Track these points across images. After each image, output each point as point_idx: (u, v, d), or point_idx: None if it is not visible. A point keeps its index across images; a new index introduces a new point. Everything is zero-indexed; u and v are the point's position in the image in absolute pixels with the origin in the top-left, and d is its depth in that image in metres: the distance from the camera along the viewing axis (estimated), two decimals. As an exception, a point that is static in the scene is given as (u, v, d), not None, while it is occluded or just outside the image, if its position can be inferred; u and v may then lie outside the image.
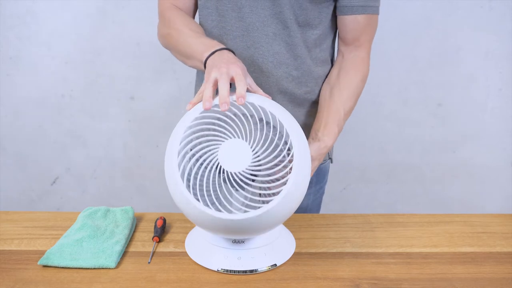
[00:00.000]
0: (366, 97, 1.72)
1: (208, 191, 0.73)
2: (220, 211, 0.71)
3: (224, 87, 0.73)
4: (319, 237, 0.91)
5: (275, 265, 0.81)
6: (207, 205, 0.72)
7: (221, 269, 0.79)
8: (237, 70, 0.76)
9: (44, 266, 0.80)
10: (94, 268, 0.80)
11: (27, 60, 1.67)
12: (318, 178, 1.11)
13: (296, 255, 0.85)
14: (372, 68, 1.70)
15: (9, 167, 1.82)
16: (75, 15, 1.62)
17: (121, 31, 1.64)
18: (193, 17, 1.05)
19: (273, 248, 0.82)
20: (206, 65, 0.82)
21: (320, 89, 1.03)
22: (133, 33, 1.64)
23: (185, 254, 0.85)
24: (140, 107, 1.74)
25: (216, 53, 0.82)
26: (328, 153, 1.12)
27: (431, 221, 0.98)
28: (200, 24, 1.01)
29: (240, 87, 0.73)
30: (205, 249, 0.82)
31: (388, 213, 1.02)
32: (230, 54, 0.82)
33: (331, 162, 1.15)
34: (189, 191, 0.72)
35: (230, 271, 0.79)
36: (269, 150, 0.72)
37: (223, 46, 0.84)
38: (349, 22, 0.97)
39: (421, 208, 1.86)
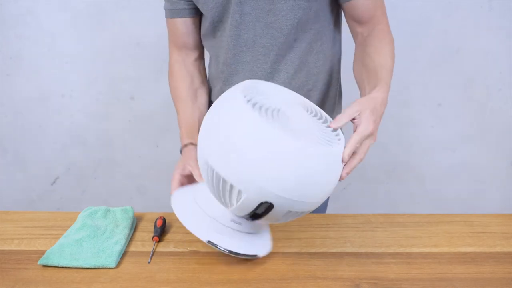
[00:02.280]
0: (366, 97, 1.73)
1: None
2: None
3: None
4: (319, 237, 0.91)
5: (256, 256, 0.80)
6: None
7: (209, 241, 0.77)
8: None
9: (44, 266, 0.80)
10: (94, 268, 0.80)
11: (27, 60, 1.67)
12: None
13: (296, 255, 0.85)
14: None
15: (9, 167, 1.82)
16: (75, 15, 1.62)
17: (121, 31, 1.64)
18: (203, 52, 1.11)
19: (260, 238, 0.82)
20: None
21: (322, 81, 1.03)
22: (133, 33, 1.64)
23: (185, 254, 0.85)
24: (140, 107, 1.74)
25: (183, 150, 0.98)
26: None
27: (431, 221, 0.98)
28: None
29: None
30: (199, 218, 0.80)
31: (388, 213, 1.02)
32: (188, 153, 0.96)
33: None
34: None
35: (217, 246, 0.77)
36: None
37: (186, 143, 0.98)
38: (360, 4, 0.94)
39: (421, 208, 1.86)
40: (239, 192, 0.70)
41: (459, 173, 1.82)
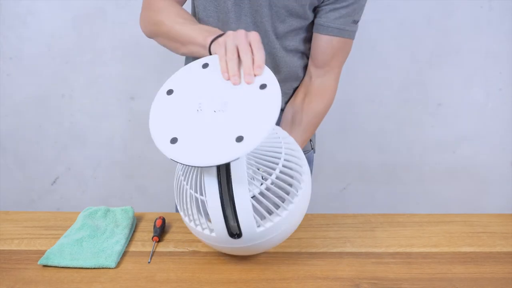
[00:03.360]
0: (366, 97, 1.73)
1: None
2: None
3: (247, 57, 0.71)
4: (319, 237, 0.91)
5: None
6: None
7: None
8: (256, 35, 0.74)
9: (44, 266, 0.80)
10: (94, 268, 0.80)
11: (27, 60, 1.67)
12: None
13: (296, 255, 0.85)
14: (372, 67, 1.70)
15: (9, 167, 1.82)
16: (75, 15, 1.62)
17: (121, 31, 1.64)
18: (182, 5, 1.03)
19: None
20: (215, 42, 0.78)
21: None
22: (133, 33, 1.64)
23: (185, 254, 0.85)
24: (140, 107, 1.74)
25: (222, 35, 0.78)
26: (311, 144, 1.14)
27: (431, 221, 0.98)
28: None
29: (259, 54, 0.71)
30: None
31: (388, 213, 1.02)
32: None
33: (314, 152, 1.17)
34: None
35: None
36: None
37: (221, 32, 0.81)
38: (323, 42, 0.96)
39: (421, 208, 1.86)
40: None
41: (459, 173, 1.82)
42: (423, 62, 1.67)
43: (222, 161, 0.64)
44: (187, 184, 0.74)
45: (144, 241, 0.89)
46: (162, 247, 0.87)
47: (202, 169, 0.71)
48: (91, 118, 1.76)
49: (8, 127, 1.76)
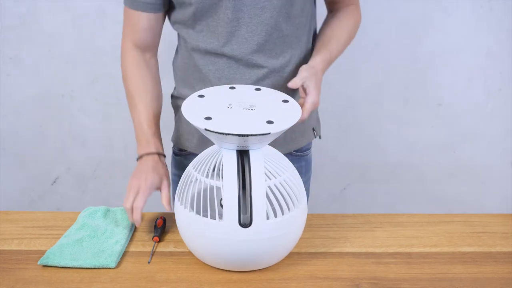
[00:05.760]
0: (366, 97, 1.73)
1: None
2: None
3: (137, 201, 0.88)
4: (319, 237, 0.91)
5: None
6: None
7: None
8: (155, 179, 0.91)
9: (44, 266, 0.81)
10: (94, 268, 0.80)
11: (27, 60, 1.67)
12: (307, 168, 1.14)
13: (296, 255, 0.85)
14: (372, 68, 1.70)
15: (9, 167, 1.82)
16: (75, 15, 1.62)
17: (121, 31, 1.64)
18: (156, 49, 1.10)
19: None
20: (136, 166, 0.95)
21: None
22: (133, 33, 1.64)
23: (185, 254, 0.85)
24: (140, 107, 1.73)
25: (143, 158, 0.95)
26: (314, 132, 1.11)
27: (431, 221, 0.98)
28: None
29: (164, 192, 0.91)
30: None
31: (388, 213, 1.02)
32: (153, 163, 0.94)
33: (320, 138, 1.16)
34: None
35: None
36: None
37: (151, 151, 0.97)
38: None
39: (421, 208, 1.86)
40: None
41: (459, 173, 1.82)
42: (423, 62, 1.67)
43: (256, 132, 0.71)
44: (198, 173, 0.78)
45: (144, 241, 0.89)
46: (162, 247, 0.87)
47: (222, 156, 0.77)
48: (91, 118, 1.76)
49: (8, 127, 1.76)
